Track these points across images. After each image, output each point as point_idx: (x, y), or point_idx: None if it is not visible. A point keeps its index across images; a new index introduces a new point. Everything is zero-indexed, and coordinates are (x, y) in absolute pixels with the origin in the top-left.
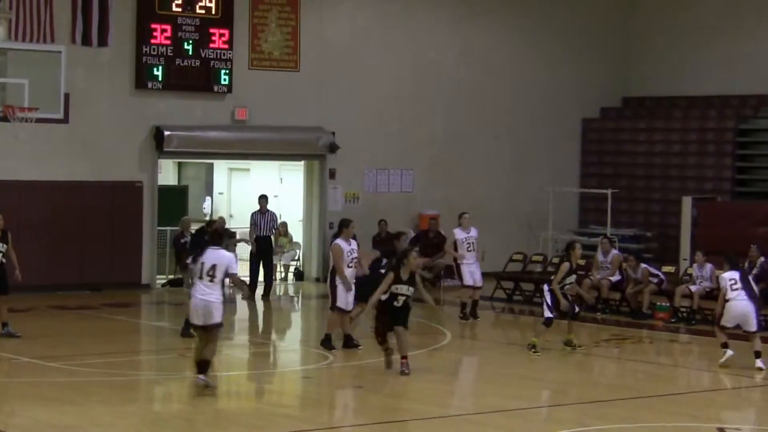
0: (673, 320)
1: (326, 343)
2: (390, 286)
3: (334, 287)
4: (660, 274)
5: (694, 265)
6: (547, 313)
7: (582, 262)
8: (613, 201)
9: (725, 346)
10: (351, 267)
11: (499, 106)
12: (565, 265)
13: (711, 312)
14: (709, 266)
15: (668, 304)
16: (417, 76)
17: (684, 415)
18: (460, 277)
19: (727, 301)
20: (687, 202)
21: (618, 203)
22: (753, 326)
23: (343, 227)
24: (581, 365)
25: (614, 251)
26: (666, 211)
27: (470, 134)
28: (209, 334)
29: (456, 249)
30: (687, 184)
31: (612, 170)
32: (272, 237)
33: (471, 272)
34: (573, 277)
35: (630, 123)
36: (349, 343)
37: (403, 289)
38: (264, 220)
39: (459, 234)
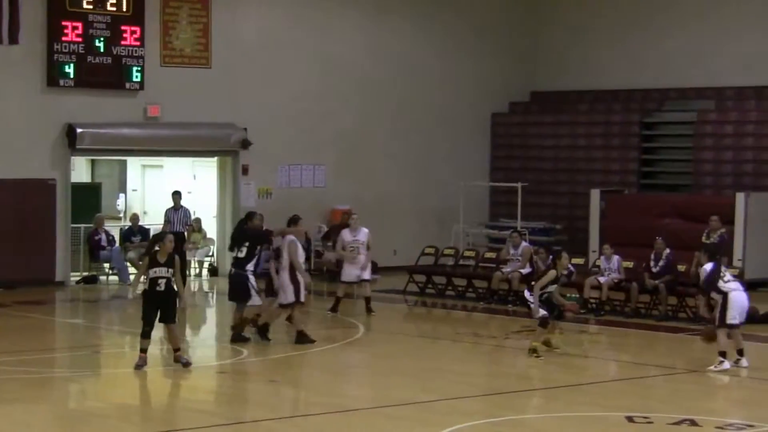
0: (582, 311)
1: (301, 339)
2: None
3: (296, 282)
4: (570, 266)
5: (602, 257)
6: (542, 312)
7: (493, 255)
8: (522, 194)
9: (724, 355)
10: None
11: (408, 101)
12: (552, 273)
13: (620, 302)
14: (616, 258)
15: (578, 295)
16: (326, 72)
17: (593, 404)
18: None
19: (724, 294)
20: (595, 194)
21: (527, 196)
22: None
23: (291, 224)
24: (491, 357)
25: (524, 243)
26: (574, 204)
27: (379, 129)
28: None
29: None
30: (594, 177)
31: (520, 164)
32: (185, 233)
33: (350, 271)
34: (555, 287)
35: (537, 117)
36: (262, 333)
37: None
38: (177, 217)
39: (346, 236)
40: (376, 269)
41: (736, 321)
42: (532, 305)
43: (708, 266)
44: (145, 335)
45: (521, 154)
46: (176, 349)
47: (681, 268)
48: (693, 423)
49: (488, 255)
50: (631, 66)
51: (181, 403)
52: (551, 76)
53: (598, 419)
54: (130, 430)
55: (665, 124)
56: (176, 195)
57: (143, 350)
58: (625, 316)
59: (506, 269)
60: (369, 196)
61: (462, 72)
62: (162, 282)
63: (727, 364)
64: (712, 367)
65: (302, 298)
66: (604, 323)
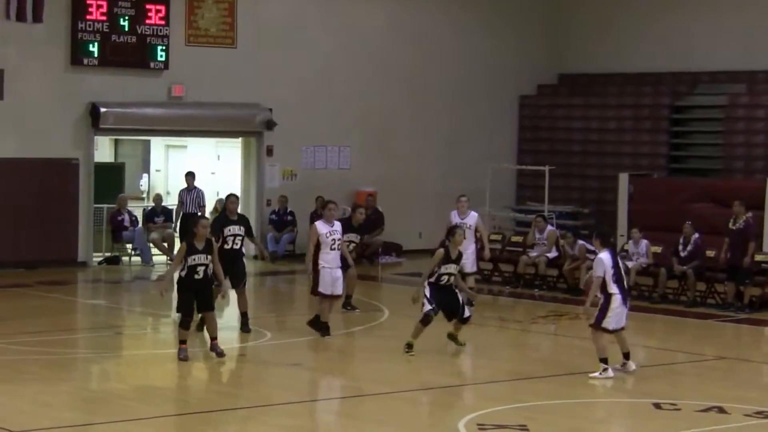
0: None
1: (315, 324)
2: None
3: (317, 272)
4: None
5: (630, 241)
6: (427, 307)
7: (520, 239)
8: (549, 177)
9: (606, 362)
10: (334, 249)
11: (434, 83)
12: (440, 252)
13: (648, 288)
14: (644, 242)
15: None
16: (353, 53)
17: (620, 390)
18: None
19: (609, 295)
20: (623, 178)
21: (554, 180)
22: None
23: (321, 208)
24: (517, 342)
25: (549, 227)
26: (602, 188)
27: (405, 111)
28: None
29: None
30: (623, 161)
31: (548, 147)
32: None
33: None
34: (453, 267)
35: (566, 100)
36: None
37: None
38: (190, 198)
39: (455, 218)
40: (400, 252)
41: (611, 327)
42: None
43: (603, 254)
44: (185, 325)
45: (549, 137)
46: (213, 338)
47: (710, 253)
48: (721, 410)
49: (515, 239)
50: (662, 48)
51: (202, 385)
52: (580, 58)
53: (625, 405)
54: (151, 412)
55: (696, 108)
56: (189, 175)
57: (183, 341)
58: (653, 301)
59: (533, 253)
60: (394, 178)
61: (489, 54)
62: (201, 270)
63: (611, 372)
64: (595, 374)
65: (323, 289)
66: (632, 308)
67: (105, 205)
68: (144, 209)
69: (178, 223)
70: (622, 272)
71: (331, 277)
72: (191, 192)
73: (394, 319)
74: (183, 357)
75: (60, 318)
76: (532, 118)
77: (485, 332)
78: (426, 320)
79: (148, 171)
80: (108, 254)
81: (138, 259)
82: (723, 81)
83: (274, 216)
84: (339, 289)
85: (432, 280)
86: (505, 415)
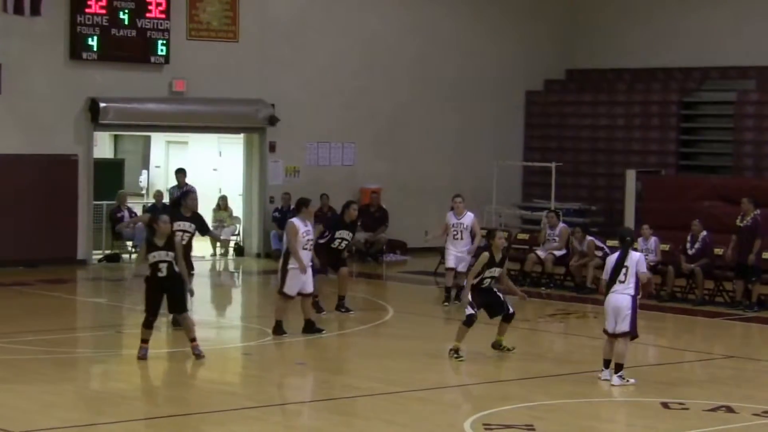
0: None
1: (278, 330)
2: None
3: (285, 271)
4: (605, 247)
5: (640, 238)
6: (469, 310)
7: (526, 236)
8: (557, 175)
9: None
10: (306, 249)
11: (443, 79)
12: (485, 256)
13: (656, 286)
14: (654, 239)
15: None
16: (360, 48)
17: (627, 390)
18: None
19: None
20: (631, 175)
21: (562, 177)
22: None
23: (302, 206)
24: (527, 340)
25: (562, 224)
26: (611, 185)
27: (414, 107)
28: None
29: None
30: (631, 158)
31: (556, 144)
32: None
33: (455, 256)
34: (497, 270)
35: (574, 96)
36: (309, 328)
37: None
38: None
39: (452, 219)
40: (405, 250)
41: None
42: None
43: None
44: (148, 325)
45: (557, 134)
46: (192, 339)
47: (718, 251)
48: (729, 410)
49: (521, 236)
50: (671, 44)
51: (206, 385)
52: (588, 53)
53: (633, 404)
54: (154, 412)
55: (705, 104)
56: (180, 173)
57: (145, 341)
58: (661, 299)
59: (540, 251)
60: (399, 176)
61: (496, 49)
62: (164, 267)
63: (633, 381)
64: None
65: (287, 290)
66: (640, 306)
67: (105, 202)
68: (144, 206)
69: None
70: (622, 275)
71: (299, 279)
72: (182, 190)
73: (398, 318)
74: (142, 356)
75: (62, 317)
76: (540, 115)
77: (493, 331)
78: (469, 322)
79: (148, 167)
80: (108, 252)
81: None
82: (733, 77)
83: (277, 213)
84: (309, 287)
85: (474, 282)
86: (512, 415)
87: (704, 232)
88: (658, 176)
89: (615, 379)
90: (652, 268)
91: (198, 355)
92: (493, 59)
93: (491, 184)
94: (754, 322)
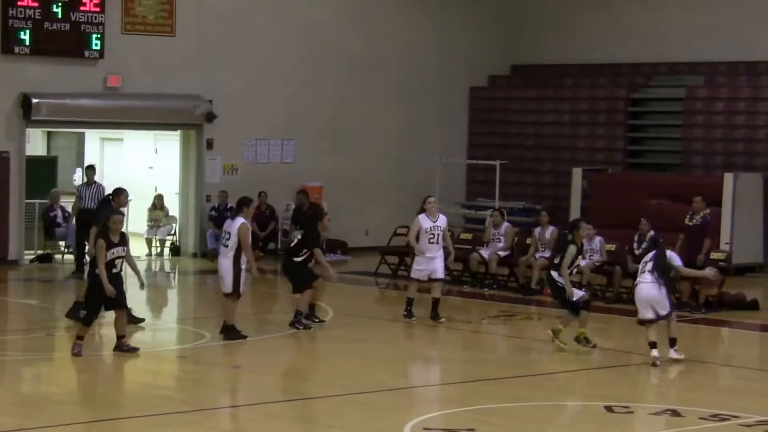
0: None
1: (234, 334)
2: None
3: (239, 270)
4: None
5: (584, 239)
6: (579, 293)
7: (469, 236)
8: (501, 172)
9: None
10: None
11: (384, 74)
12: (572, 249)
13: (600, 287)
14: (598, 239)
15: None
16: (298, 43)
17: (573, 393)
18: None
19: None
20: (577, 173)
21: (508, 175)
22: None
23: (244, 206)
24: (467, 342)
25: (506, 223)
26: (557, 183)
27: (354, 103)
28: None
29: (418, 240)
30: (578, 155)
31: (501, 141)
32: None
33: (426, 266)
34: (581, 259)
35: (519, 92)
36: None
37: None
38: (89, 192)
39: (425, 222)
40: (346, 250)
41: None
42: (565, 287)
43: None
44: (88, 323)
45: (502, 131)
46: (121, 336)
47: None
48: (675, 413)
49: (464, 236)
50: (619, 38)
51: (141, 388)
52: (533, 48)
53: (577, 409)
54: (88, 416)
55: (653, 101)
56: (90, 169)
57: (81, 337)
58: (607, 301)
59: (484, 251)
60: (340, 173)
61: (439, 43)
62: (119, 263)
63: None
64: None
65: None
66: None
67: (37, 201)
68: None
69: (74, 219)
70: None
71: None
72: (90, 187)
73: (338, 320)
74: (77, 352)
75: None
76: (484, 111)
77: (434, 332)
78: (587, 305)
79: (82, 165)
80: (40, 252)
81: (71, 257)
82: (683, 72)
83: (213, 212)
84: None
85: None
86: (454, 419)
87: (652, 232)
88: (605, 174)
89: (672, 353)
90: (598, 269)
91: (130, 349)
92: (436, 53)
93: (433, 182)
94: (701, 324)
